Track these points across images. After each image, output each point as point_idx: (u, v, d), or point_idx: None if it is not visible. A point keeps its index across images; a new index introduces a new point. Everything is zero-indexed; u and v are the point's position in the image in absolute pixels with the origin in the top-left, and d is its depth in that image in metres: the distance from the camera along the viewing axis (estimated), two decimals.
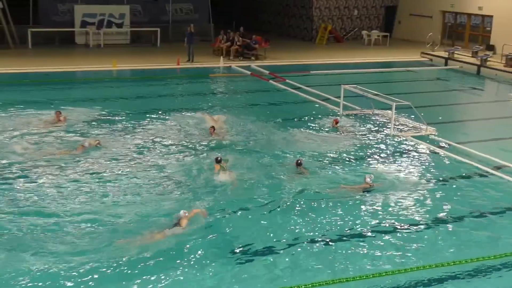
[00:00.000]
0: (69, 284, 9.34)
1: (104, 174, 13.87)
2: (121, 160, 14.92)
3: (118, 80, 26.22)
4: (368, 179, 13.56)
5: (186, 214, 11.31)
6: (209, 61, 29.70)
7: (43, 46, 31.50)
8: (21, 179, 13.39)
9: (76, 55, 31.11)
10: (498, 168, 15.23)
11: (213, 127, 17.15)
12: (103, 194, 12.78)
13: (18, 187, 12.99)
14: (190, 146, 16.06)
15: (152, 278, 9.57)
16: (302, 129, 18.25)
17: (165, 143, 16.36)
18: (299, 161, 14.52)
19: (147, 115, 19.13)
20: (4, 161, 14.45)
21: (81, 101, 20.86)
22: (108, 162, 14.68)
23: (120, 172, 14.04)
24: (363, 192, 13.34)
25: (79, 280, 9.44)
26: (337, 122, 18.41)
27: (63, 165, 14.30)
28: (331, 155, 15.88)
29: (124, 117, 18.87)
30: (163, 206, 12.23)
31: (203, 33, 34.45)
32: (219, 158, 14.00)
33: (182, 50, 29.77)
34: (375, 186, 13.55)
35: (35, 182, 13.23)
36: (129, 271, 9.74)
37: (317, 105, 21.69)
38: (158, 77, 26.26)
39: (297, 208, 12.40)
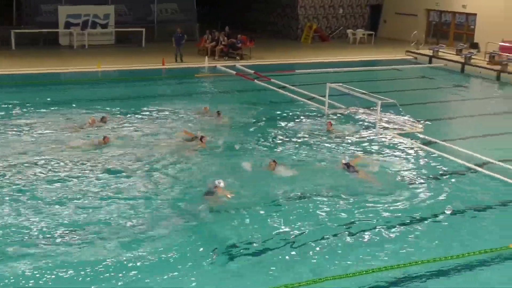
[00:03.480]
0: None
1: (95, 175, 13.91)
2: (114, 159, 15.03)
3: (103, 81, 26.05)
4: (343, 161, 14.38)
5: (221, 184, 12.42)
6: (194, 61, 29.62)
7: (27, 47, 31.25)
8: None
9: (60, 56, 30.83)
10: (482, 164, 15.30)
11: (218, 112, 18.87)
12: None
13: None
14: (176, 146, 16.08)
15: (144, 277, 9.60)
16: (286, 129, 18.28)
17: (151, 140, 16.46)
18: (273, 161, 14.50)
19: (134, 115, 19.15)
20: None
21: (64, 103, 20.73)
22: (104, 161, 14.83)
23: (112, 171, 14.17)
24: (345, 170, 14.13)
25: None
26: (331, 124, 18.20)
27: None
28: (315, 154, 15.90)
29: (111, 118, 18.77)
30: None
31: (188, 33, 34.34)
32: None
33: (168, 50, 29.68)
34: (359, 169, 14.17)
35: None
36: (120, 269, 9.75)
37: (302, 104, 21.69)
38: (143, 78, 26.14)
39: (283, 208, 12.43)
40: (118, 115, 19.18)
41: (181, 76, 26.78)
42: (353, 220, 11.92)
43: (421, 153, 16.33)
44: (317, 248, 10.75)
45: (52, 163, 14.54)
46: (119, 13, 35.23)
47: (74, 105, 20.28)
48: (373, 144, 17.04)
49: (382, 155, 16.06)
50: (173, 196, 12.84)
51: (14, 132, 17.00)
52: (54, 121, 18.21)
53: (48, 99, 21.18)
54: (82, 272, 9.65)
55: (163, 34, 33.97)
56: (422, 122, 19.12)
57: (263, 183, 13.62)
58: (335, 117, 19.68)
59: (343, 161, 14.48)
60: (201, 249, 10.61)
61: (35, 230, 11.08)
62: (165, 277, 9.64)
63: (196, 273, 9.78)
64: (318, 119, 19.50)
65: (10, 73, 25.64)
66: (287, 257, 10.42)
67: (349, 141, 17.15)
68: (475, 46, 33.06)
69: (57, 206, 12.11)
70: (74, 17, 33.35)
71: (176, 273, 9.76)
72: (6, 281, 9.35)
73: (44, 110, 19.53)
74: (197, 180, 13.70)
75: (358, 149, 16.47)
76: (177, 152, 15.57)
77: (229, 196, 12.51)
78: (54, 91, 23.21)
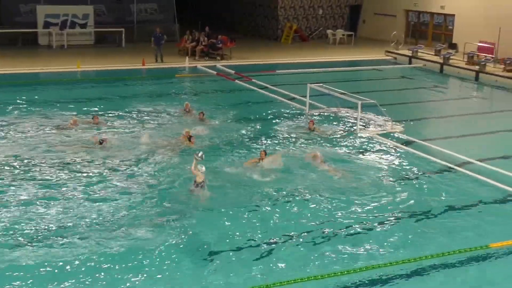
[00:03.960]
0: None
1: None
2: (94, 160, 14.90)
3: (82, 81, 25.87)
4: (318, 154, 14.82)
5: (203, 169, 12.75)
6: (175, 61, 29.55)
7: (6, 47, 30.94)
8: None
9: (39, 56, 30.62)
10: (461, 164, 15.46)
11: (202, 112, 18.66)
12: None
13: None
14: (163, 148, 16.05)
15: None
16: (268, 128, 18.32)
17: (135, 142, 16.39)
18: (264, 151, 14.73)
19: (115, 115, 19.07)
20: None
21: (44, 103, 20.60)
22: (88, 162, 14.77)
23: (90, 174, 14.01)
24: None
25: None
26: (313, 123, 18.28)
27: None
28: (297, 152, 15.94)
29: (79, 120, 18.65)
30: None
31: (168, 33, 34.26)
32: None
33: (148, 50, 29.59)
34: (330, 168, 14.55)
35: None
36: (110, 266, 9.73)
37: (283, 104, 21.74)
38: (124, 78, 26.03)
39: (267, 207, 12.49)
40: (99, 116, 19.03)
41: (162, 76, 26.70)
42: (334, 219, 12.01)
43: (400, 152, 16.45)
44: (300, 248, 10.82)
45: (32, 163, 14.44)
46: (98, 13, 35.03)
47: (54, 106, 20.17)
48: (353, 143, 17.13)
49: (362, 155, 16.17)
50: (159, 195, 12.84)
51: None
52: (33, 122, 18.08)
53: (28, 99, 21.01)
54: (64, 272, 9.63)
55: (143, 34, 33.83)
56: (402, 122, 19.28)
57: (248, 182, 13.71)
58: (316, 116, 19.75)
59: (319, 154, 14.83)
60: (185, 248, 10.62)
61: (15, 231, 11.00)
62: (150, 277, 9.64)
63: (179, 273, 9.80)
64: (300, 119, 19.58)
65: None
66: (274, 256, 10.49)
67: (331, 140, 17.23)
68: (453, 46, 33.36)
69: (38, 207, 12.03)
70: (53, 17, 33.09)
71: (160, 274, 9.76)
72: None
73: (24, 111, 19.38)
74: (184, 178, 13.66)
75: (339, 148, 16.57)
76: (164, 151, 15.54)
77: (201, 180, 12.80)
78: (34, 91, 22.99)
